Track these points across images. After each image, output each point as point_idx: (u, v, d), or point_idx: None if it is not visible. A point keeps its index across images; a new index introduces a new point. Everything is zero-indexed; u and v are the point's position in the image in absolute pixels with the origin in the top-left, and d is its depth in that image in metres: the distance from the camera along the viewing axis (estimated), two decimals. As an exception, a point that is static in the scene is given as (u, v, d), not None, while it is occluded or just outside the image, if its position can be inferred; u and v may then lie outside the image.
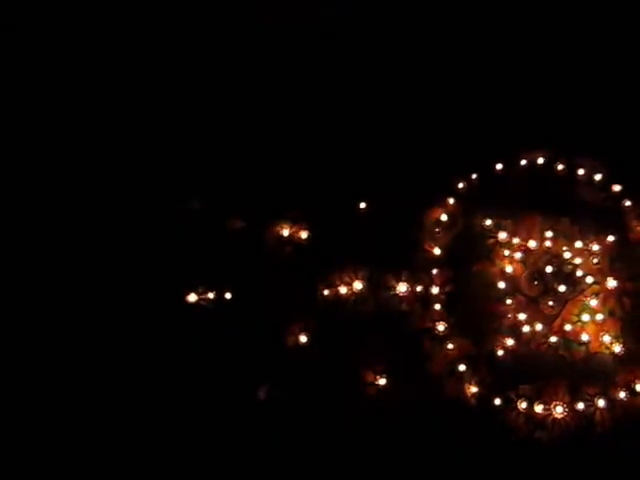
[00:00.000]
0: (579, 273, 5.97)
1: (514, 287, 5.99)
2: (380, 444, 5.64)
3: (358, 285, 5.98)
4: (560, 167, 6.23)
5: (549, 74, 6.48)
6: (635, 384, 5.68)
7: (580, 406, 5.62)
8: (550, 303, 5.92)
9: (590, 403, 5.65)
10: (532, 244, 6.04)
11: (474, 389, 5.72)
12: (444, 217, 6.14)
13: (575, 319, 5.89)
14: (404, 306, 5.97)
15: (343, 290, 5.98)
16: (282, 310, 5.93)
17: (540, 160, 6.25)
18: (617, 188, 6.14)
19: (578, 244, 6.02)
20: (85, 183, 6.24)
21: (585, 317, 5.85)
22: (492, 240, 6.11)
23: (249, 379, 5.77)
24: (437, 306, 5.95)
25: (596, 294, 5.93)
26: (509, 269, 6.00)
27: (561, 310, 5.93)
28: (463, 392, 5.74)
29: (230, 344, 5.84)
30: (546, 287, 5.97)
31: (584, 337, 5.81)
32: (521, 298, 5.97)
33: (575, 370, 5.78)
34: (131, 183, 6.24)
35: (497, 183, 6.26)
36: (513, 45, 6.53)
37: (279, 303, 5.95)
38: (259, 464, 5.62)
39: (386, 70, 6.62)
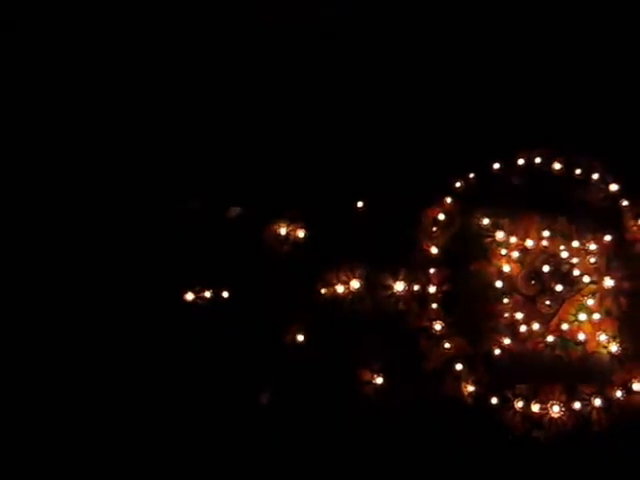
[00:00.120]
0: (576, 272, 5.96)
1: (511, 286, 5.99)
2: (377, 443, 5.64)
3: (355, 284, 5.98)
4: (557, 166, 6.22)
5: (547, 73, 6.47)
6: (632, 383, 5.67)
7: (577, 405, 5.62)
8: (547, 302, 5.92)
9: (587, 402, 5.65)
10: (529, 243, 6.03)
11: (471, 388, 5.72)
12: (441, 216, 6.14)
13: (572, 318, 5.89)
14: (401, 305, 5.97)
15: (340, 289, 5.98)
16: (279, 309, 5.94)
17: (537, 159, 6.24)
18: (614, 188, 6.13)
19: (575, 243, 6.02)
20: (83, 183, 6.27)
21: (582, 316, 5.84)
22: (489, 239, 6.11)
23: (246, 378, 5.79)
24: (434, 305, 5.95)
25: (593, 293, 5.93)
26: (506, 268, 6.00)
27: (558, 309, 5.93)
28: (460, 391, 5.75)
29: (227, 343, 5.86)
30: (543, 286, 5.97)
31: (581, 336, 5.81)
32: (518, 297, 5.97)
33: (572, 369, 5.78)
34: (129, 183, 6.26)
35: (494, 182, 6.26)
36: (511, 44, 6.53)
37: (276, 302, 5.96)
38: (258, 463, 5.64)
39: (385, 70, 6.62)
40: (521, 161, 6.25)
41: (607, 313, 5.89)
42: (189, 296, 5.94)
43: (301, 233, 6.16)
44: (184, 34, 6.65)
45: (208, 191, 6.22)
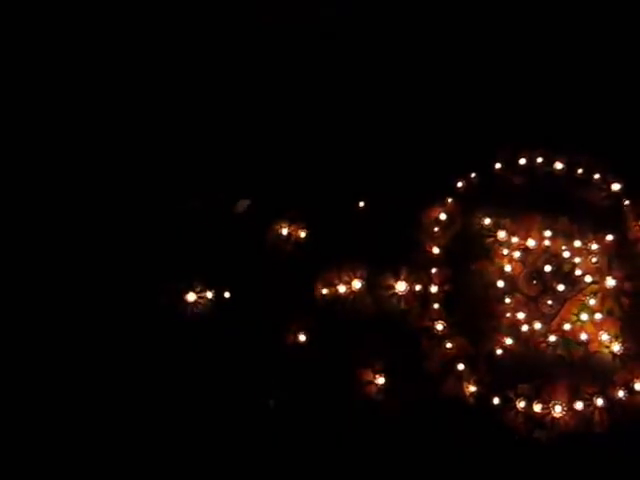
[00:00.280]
0: (578, 272, 5.96)
1: (513, 286, 5.99)
2: (379, 443, 5.63)
3: (357, 284, 5.98)
4: (559, 166, 6.22)
5: (548, 73, 6.48)
6: (634, 383, 5.67)
7: (579, 405, 5.62)
8: (549, 302, 5.92)
9: (589, 402, 5.65)
10: (531, 243, 6.04)
11: (473, 388, 5.72)
12: (443, 216, 6.15)
13: (574, 318, 5.89)
14: (403, 305, 5.97)
15: (342, 289, 5.98)
16: (281, 309, 5.93)
17: (539, 159, 6.24)
18: (616, 187, 6.14)
19: (577, 243, 6.02)
20: (83, 183, 6.26)
21: (584, 316, 5.85)
22: (491, 239, 6.11)
23: (247, 378, 5.78)
24: (436, 305, 5.95)
25: (595, 293, 5.93)
26: (508, 268, 6.00)
27: (560, 309, 5.92)
28: (462, 391, 5.74)
29: (229, 343, 5.85)
30: (545, 286, 5.97)
31: (583, 336, 5.81)
32: (520, 297, 5.96)
33: (574, 369, 5.78)
34: (129, 183, 6.25)
35: (496, 182, 6.26)
36: (512, 44, 6.54)
37: (278, 302, 5.95)
38: (258, 463, 5.62)
39: (385, 70, 6.62)
40: (523, 161, 6.25)
41: (609, 313, 5.89)
42: (191, 296, 5.93)
43: (302, 233, 6.16)
44: (185, 34, 6.64)
45: (209, 191, 6.21)
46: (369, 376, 5.77)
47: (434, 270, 6.02)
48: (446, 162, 6.25)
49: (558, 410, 5.61)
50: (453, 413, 5.70)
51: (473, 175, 6.26)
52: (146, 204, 6.21)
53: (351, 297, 5.99)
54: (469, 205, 6.20)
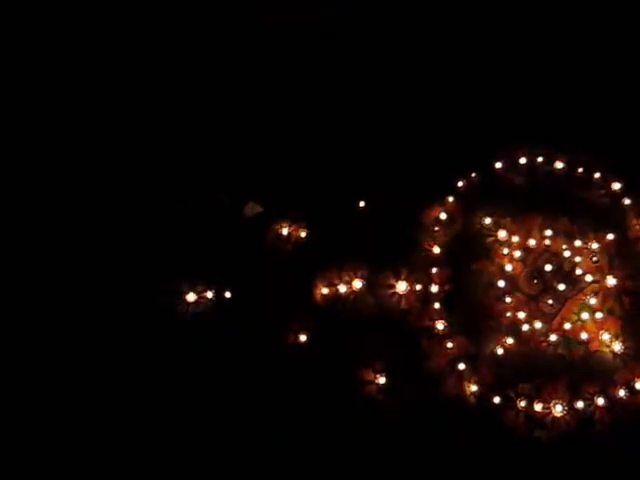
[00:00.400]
0: (578, 271, 5.97)
1: (513, 285, 5.99)
2: (379, 443, 5.63)
3: (357, 284, 5.99)
4: (559, 165, 6.22)
5: (548, 73, 6.48)
6: (635, 382, 5.68)
7: (580, 405, 5.62)
8: (549, 301, 5.92)
9: (590, 402, 5.65)
10: (531, 242, 6.04)
11: (473, 388, 5.72)
12: (443, 216, 6.15)
13: (575, 317, 5.89)
14: (403, 305, 5.97)
15: (342, 289, 5.98)
16: (282, 309, 5.93)
17: (539, 158, 6.24)
18: (616, 186, 6.14)
19: (577, 242, 6.03)
20: (82, 183, 6.27)
21: (584, 315, 5.85)
22: (491, 239, 6.11)
23: (248, 378, 5.78)
24: (436, 305, 5.95)
25: (595, 292, 5.93)
26: (508, 267, 6.00)
27: (560, 308, 5.92)
28: (462, 391, 5.74)
29: (229, 343, 5.85)
30: (545, 285, 5.97)
31: (584, 335, 5.81)
32: (520, 296, 5.96)
33: (575, 368, 5.78)
34: (129, 184, 6.26)
35: (497, 182, 6.26)
36: (512, 44, 6.54)
37: (278, 302, 5.95)
38: (259, 463, 5.62)
39: (385, 70, 6.62)
40: (523, 160, 6.25)
41: (610, 312, 5.90)
42: (191, 296, 5.93)
43: (303, 233, 6.16)
44: (184, 35, 6.65)
45: (210, 191, 6.21)
46: (370, 376, 5.77)
47: (434, 270, 6.02)
48: (446, 162, 6.25)
49: (559, 409, 5.62)
50: (454, 413, 5.70)
51: (473, 174, 6.26)
52: (146, 204, 6.21)
53: (352, 297, 6.00)
54: (469, 204, 6.20)
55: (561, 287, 5.92)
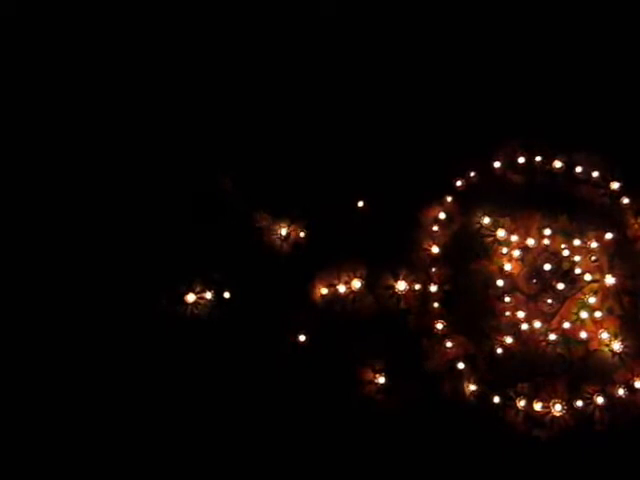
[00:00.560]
0: (577, 271, 5.97)
1: (513, 285, 5.99)
2: (379, 442, 5.64)
3: (356, 284, 5.99)
4: (558, 165, 6.21)
5: (547, 72, 6.46)
6: (634, 381, 5.69)
7: (579, 404, 5.63)
8: (549, 301, 5.93)
9: (589, 401, 5.66)
10: (530, 242, 6.04)
11: (473, 387, 5.73)
12: (442, 215, 6.15)
13: (574, 317, 5.89)
14: (403, 304, 5.97)
15: (341, 289, 5.99)
16: (281, 309, 5.94)
17: (538, 158, 6.23)
18: (615, 185, 6.13)
19: (576, 242, 6.03)
20: (83, 183, 6.26)
21: (584, 314, 5.85)
22: (490, 238, 6.11)
23: (247, 378, 5.78)
24: (436, 304, 5.96)
25: (595, 291, 5.93)
26: (507, 267, 6.00)
27: (560, 308, 5.93)
28: (462, 390, 5.75)
29: (229, 343, 5.86)
30: (545, 285, 5.98)
31: (583, 335, 5.81)
32: (520, 296, 5.97)
33: (574, 368, 5.78)
34: (128, 184, 6.26)
35: (495, 181, 6.26)
36: (511, 43, 6.52)
37: (278, 302, 5.95)
38: (259, 462, 5.63)
39: (385, 70, 6.61)
40: (522, 159, 6.24)
41: (609, 311, 5.90)
42: (190, 297, 5.94)
43: (302, 233, 6.16)
44: (185, 34, 6.64)
45: (211, 192, 6.23)
46: (369, 376, 5.78)
47: (434, 269, 6.03)
48: (445, 161, 6.24)
49: (558, 408, 5.63)
50: (453, 412, 5.72)
51: (472, 174, 6.25)
52: (145, 205, 6.21)
53: (351, 297, 6.00)
54: (468, 204, 6.20)
55: (560, 286, 5.93)
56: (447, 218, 6.16)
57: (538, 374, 5.77)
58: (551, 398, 5.68)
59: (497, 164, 6.25)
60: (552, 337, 5.81)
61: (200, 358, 5.83)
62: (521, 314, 5.87)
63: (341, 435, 5.66)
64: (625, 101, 6.33)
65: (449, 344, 5.83)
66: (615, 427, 5.62)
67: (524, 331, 5.85)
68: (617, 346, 5.78)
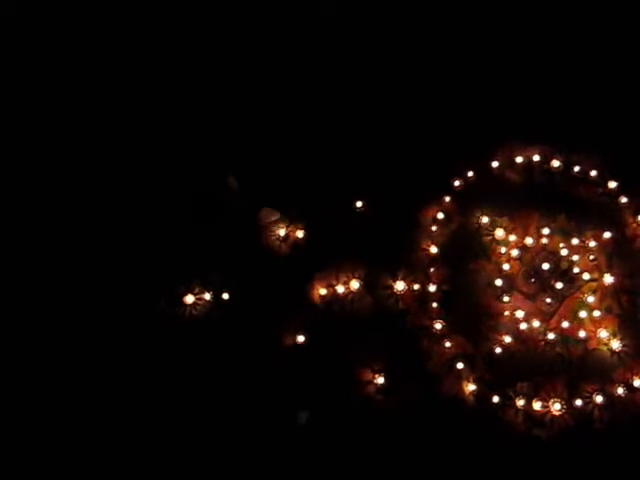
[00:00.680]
0: (576, 270, 5.97)
1: (511, 284, 5.99)
2: (378, 442, 5.63)
3: (355, 284, 5.98)
4: (556, 164, 6.22)
5: (546, 72, 6.49)
6: (633, 380, 5.68)
7: (578, 403, 5.63)
8: (547, 300, 5.93)
9: (588, 400, 5.66)
10: (529, 241, 6.04)
11: (472, 387, 5.72)
12: (441, 215, 6.15)
13: (572, 316, 5.88)
14: (401, 304, 5.97)
15: (340, 289, 5.98)
16: (279, 310, 5.93)
17: (536, 157, 6.24)
18: (613, 185, 6.14)
19: (575, 241, 6.03)
20: (83, 183, 6.27)
21: (582, 314, 5.85)
22: (489, 238, 6.12)
23: (247, 379, 5.78)
24: (434, 304, 5.95)
25: (593, 291, 5.94)
26: (506, 266, 6.01)
27: (558, 307, 5.93)
28: (461, 390, 5.75)
29: (227, 344, 5.85)
30: (543, 284, 5.98)
31: (581, 334, 5.81)
32: (518, 295, 5.97)
33: (573, 367, 5.78)
34: (128, 184, 6.27)
35: (493, 181, 6.26)
36: (509, 43, 6.55)
37: (276, 303, 5.95)
38: (259, 462, 5.62)
39: (384, 70, 6.63)
40: (520, 159, 6.25)
41: (607, 310, 5.91)
42: (189, 298, 5.93)
43: (300, 234, 6.16)
44: (185, 34, 6.65)
45: (210, 192, 6.22)
46: (368, 376, 5.78)
47: (432, 269, 6.03)
48: (443, 161, 6.25)
49: (557, 408, 5.62)
50: (453, 412, 5.71)
51: (470, 174, 6.26)
52: (144, 206, 6.21)
53: (349, 297, 6.00)
54: (466, 204, 6.21)
55: (559, 285, 5.93)
56: (445, 218, 6.16)
57: (537, 373, 5.77)
58: (550, 397, 5.68)
59: (495, 164, 6.26)
60: (551, 336, 5.81)
61: (199, 359, 5.82)
62: (520, 313, 5.87)
63: (341, 435, 5.65)
64: (623, 101, 6.35)
65: (448, 344, 5.83)
66: (614, 426, 5.61)
67: (523, 330, 5.84)
68: (616, 345, 5.78)
